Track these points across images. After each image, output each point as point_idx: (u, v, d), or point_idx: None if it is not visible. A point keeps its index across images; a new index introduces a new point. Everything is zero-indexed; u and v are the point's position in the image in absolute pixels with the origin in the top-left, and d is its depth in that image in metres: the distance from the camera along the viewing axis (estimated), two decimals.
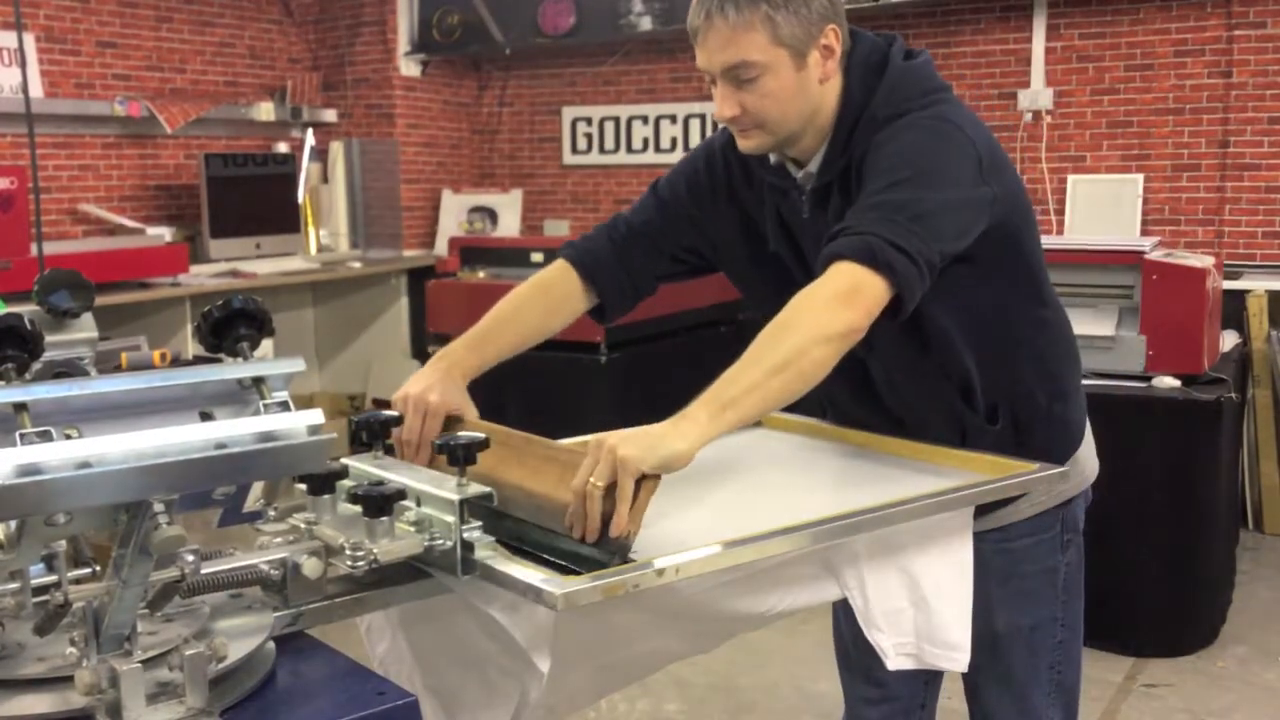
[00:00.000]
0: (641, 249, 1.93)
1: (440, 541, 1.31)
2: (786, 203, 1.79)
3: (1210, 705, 3.39)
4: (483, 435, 1.39)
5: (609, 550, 1.33)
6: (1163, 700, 3.42)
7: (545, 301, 1.89)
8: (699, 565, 1.33)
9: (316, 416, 1.21)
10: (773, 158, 1.79)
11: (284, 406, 1.24)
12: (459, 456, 1.35)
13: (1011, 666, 1.89)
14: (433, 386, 1.68)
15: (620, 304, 1.95)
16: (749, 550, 1.38)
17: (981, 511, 1.75)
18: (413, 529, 1.34)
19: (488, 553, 1.30)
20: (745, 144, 1.73)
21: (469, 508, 1.31)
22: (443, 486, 1.34)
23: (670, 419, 1.41)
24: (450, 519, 1.31)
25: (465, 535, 1.30)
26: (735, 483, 1.73)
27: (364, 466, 1.45)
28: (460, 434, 1.38)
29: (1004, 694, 1.91)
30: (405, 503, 1.34)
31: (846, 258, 1.52)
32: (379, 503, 1.29)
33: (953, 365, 1.76)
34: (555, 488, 1.41)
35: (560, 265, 1.93)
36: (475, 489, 1.32)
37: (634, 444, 1.36)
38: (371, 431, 1.51)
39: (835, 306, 1.50)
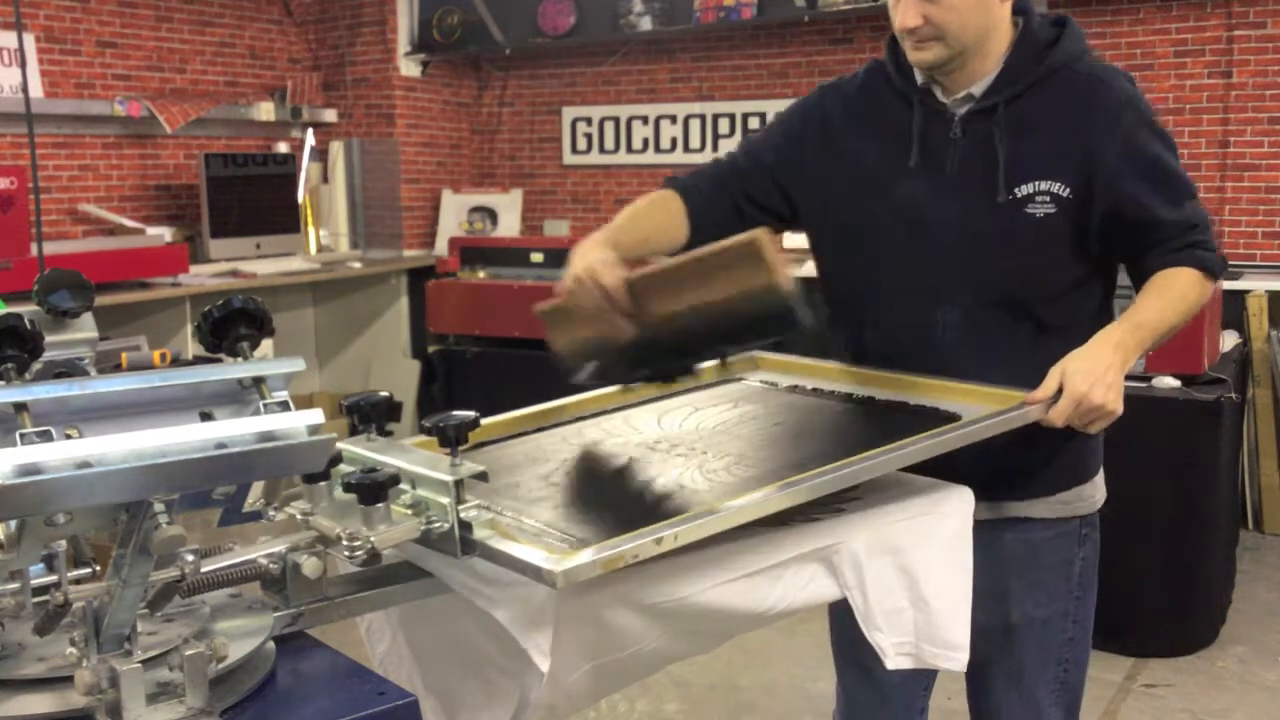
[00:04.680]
0: (732, 193, 1.95)
1: (438, 524, 1.31)
2: (928, 123, 1.84)
3: (1210, 705, 3.39)
4: (473, 415, 1.38)
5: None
6: (1163, 700, 3.42)
7: (661, 212, 1.93)
8: (695, 531, 1.32)
9: (316, 416, 1.20)
10: (920, 79, 1.85)
11: (284, 406, 1.24)
12: (450, 437, 1.34)
13: (1022, 660, 1.91)
14: (594, 255, 1.72)
15: (711, 233, 1.92)
16: (746, 511, 1.38)
17: (1001, 498, 1.85)
18: (409, 512, 1.33)
19: (486, 532, 1.30)
20: (920, 56, 1.79)
21: None
22: (437, 467, 1.33)
23: (1109, 346, 1.69)
24: (445, 500, 1.30)
25: (462, 515, 1.29)
26: (733, 445, 1.72)
27: (357, 450, 1.44)
28: (452, 414, 1.38)
29: (1011, 687, 1.93)
30: (401, 485, 1.34)
31: (1209, 270, 1.80)
32: (373, 489, 1.28)
33: (1050, 347, 1.78)
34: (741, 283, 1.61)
35: (665, 191, 1.96)
36: (469, 468, 1.31)
37: (1113, 393, 1.65)
38: (363, 415, 1.51)
39: (1201, 300, 1.81)
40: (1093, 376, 1.64)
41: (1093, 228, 1.79)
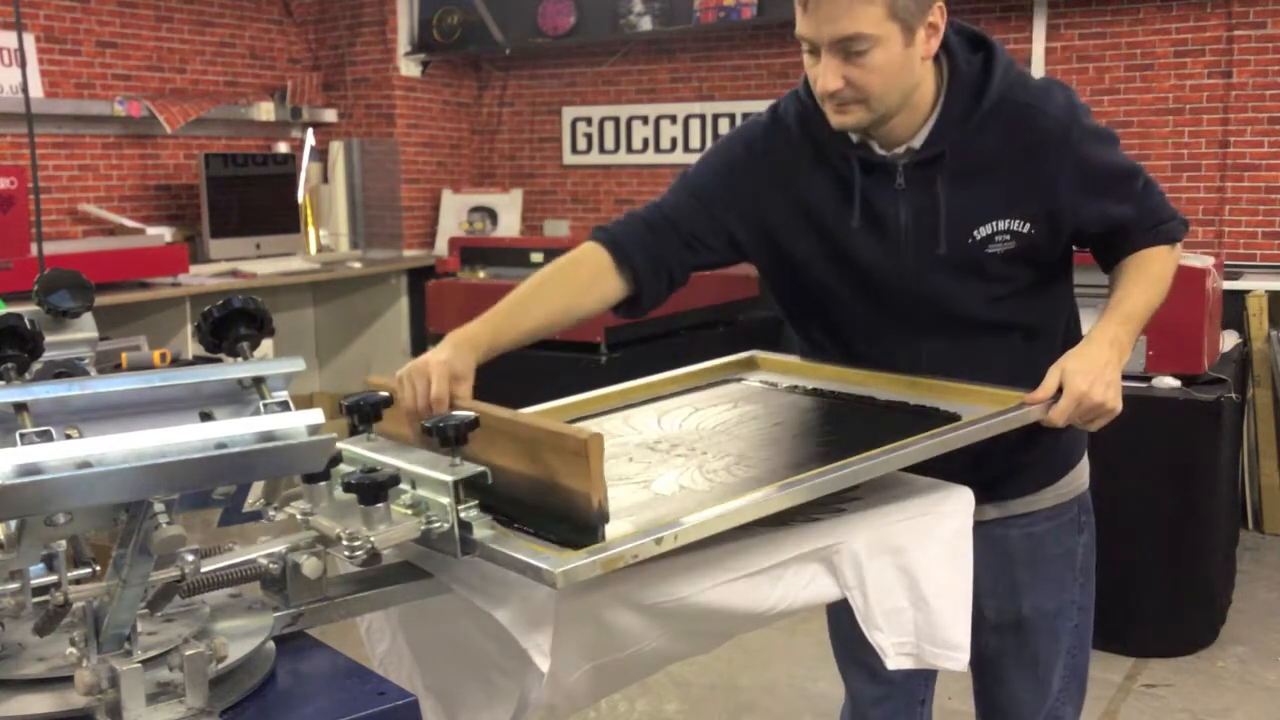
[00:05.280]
0: (677, 234, 1.83)
1: (438, 524, 1.31)
2: (871, 179, 1.77)
3: (1210, 705, 3.39)
4: (473, 414, 1.37)
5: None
6: (1163, 700, 3.42)
7: (572, 280, 1.78)
8: (695, 531, 1.32)
9: (316, 416, 1.20)
10: (855, 137, 1.77)
11: (284, 406, 1.24)
12: (450, 437, 1.34)
13: (1037, 651, 1.95)
14: (436, 355, 1.58)
15: (656, 289, 1.83)
16: (746, 511, 1.38)
17: (1006, 496, 1.88)
18: (409, 512, 1.33)
19: (486, 532, 1.30)
20: (842, 120, 1.70)
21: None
22: (436, 468, 1.33)
23: (1105, 344, 1.68)
24: (445, 500, 1.30)
25: (462, 515, 1.29)
26: (733, 444, 1.71)
27: (357, 450, 1.44)
28: (453, 414, 1.37)
29: (1027, 677, 1.97)
30: (401, 485, 1.34)
31: (1175, 239, 1.84)
32: (373, 489, 1.28)
33: (1038, 349, 1.81)
34: (567, 475, 1.34)
35: (588, 245, 1.82)
36: (469, 469, 1.31)
37: (1112, 390, 1.65)
38: (363, 414, 1.50)
39: (1174, 268, 1.85)
40: (1092, 375, 1.65)
41: (1059, 245, 1.80)
